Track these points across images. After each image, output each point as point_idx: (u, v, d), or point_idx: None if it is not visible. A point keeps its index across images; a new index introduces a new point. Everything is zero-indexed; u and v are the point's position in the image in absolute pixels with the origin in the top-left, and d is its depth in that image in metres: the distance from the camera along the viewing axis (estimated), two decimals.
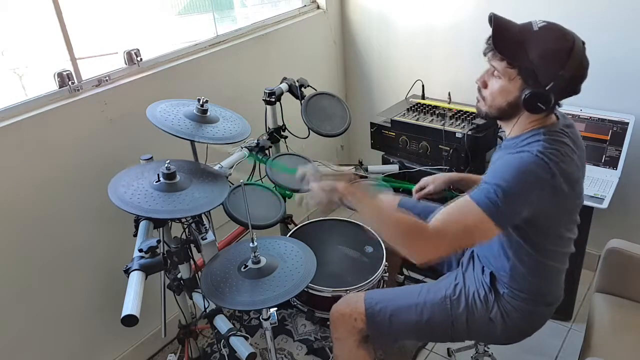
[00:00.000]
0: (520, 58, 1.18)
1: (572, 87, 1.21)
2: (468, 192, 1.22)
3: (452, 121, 2.16)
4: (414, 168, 2.23)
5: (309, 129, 2.08)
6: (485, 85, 1.29)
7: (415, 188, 1.75)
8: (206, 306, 1.59)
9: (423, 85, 2.41)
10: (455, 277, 1.50)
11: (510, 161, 1.20)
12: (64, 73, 1.71)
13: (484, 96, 1.30)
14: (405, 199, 1.80)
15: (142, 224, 1.52)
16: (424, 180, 1.73)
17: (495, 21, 1.19)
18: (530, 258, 1.32)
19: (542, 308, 1.42)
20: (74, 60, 1.74)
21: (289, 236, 1.87)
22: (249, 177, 1.97)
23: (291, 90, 2.13)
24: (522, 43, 1.17)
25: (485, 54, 1.25)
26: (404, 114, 2.29)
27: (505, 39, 1.19)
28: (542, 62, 1.16)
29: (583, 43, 1.20)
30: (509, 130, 1.32)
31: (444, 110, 2.24)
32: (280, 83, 2.13)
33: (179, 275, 1.71)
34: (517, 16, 1.24)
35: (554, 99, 1.18)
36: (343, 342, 1.51)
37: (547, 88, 1.17)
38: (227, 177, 1.70)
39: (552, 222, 1.29)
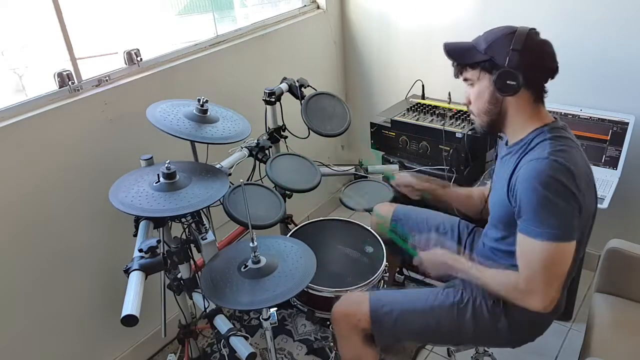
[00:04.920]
0: (475, 56, 1.33)
1: (538, 62, 1.27)
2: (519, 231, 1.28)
3: (452, 121, 2.16)
4: (414, 168, 2.23)
5: (309, 129, 2.08)
6: (469, 102, 1.40)
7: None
8: (206, 306, 1.59)
9: (423, 85, 2.41)
10: (463, 284, 1.49)
11: (529, 179, 1.22)
12: (64, 73, 1.71)
13: (472, 110, 1.40)
14: (400, 207, 1.84)
15: (142, 224, 1.52)
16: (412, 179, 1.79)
17: (446, 45, 1.38)
18: None
19: (549, 316, 1.42)
20: (74, 60, 1.74)
21: (289, 236, 1.87)
22: (249, 177, 1.97)
23: (291, 90, 2.13)
24: (473, 46, 1.35)
25: (456, 77, 1.40)
26: (404, 114, 2.29)
27: (458, 50, 1.37)
28: (492, 48, 1.29)
29: (532, 29, 1.29)
30: (510, 133, 1.36)
31: (444, 110, 2.24)
32: (280, 83, 2.13)
33: (179, 275, 1.71)
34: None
35: (521, 74, 1.25)
36: (347, 339, 1.51)
37: (506, 65, 1.26)
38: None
39: (582, 227, 1.29)
